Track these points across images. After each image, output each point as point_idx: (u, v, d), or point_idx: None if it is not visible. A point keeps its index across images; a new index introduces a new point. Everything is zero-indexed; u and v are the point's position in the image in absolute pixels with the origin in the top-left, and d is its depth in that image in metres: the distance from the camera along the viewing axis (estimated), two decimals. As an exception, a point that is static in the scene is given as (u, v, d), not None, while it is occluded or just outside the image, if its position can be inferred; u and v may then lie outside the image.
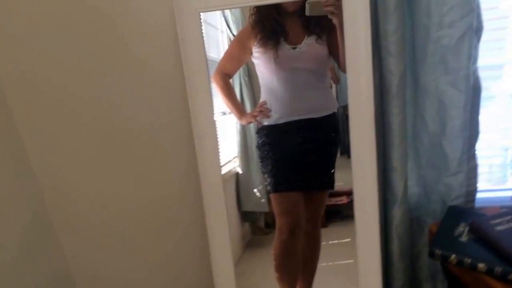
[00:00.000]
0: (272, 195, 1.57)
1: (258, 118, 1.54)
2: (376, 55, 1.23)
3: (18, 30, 1.37)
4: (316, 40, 1.41)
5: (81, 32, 1.36)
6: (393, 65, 1.20)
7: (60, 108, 1.44)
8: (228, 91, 1.58)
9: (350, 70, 1.18)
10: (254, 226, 2.03)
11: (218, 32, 1.79)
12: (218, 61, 1.71)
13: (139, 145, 1.48)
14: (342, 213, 1.72)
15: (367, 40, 1.13)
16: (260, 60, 1.49)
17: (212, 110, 1.29)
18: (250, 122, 1.58)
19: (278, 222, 1.57)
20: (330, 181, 1.56)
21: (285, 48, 1.42)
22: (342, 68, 1.44)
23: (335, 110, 1.54)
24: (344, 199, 1.73)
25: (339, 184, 1.59)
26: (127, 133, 1.47)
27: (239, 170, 2.46)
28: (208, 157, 1.32)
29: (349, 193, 1.70)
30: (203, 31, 1.26)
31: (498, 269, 0.96)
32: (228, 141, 2.57)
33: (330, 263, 1.69)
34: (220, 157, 1.34)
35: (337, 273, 1.68)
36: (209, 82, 1.27)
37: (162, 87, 1.42)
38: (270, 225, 1.88)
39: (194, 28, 1.24)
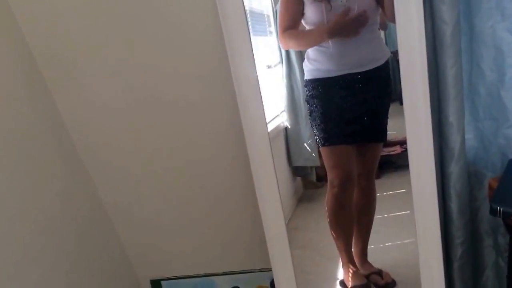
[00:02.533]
0: (322, 149, 1.61)
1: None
2: (428, 2, 1.21)
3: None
4: None
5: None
6: (446, 13, 1.18)
7: (97, 77, 1.52)
8: (298, 37, 1.59)
9: (400, 18, 1.16)
10: (306, 181, 2.09)
11: None
12: (260, 12, 1.73)
13: (181, 109, 1.56)
14: (396, 163, 1.74)
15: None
16: (310, 12, 1.50)
17: (255, 69, 1.29)
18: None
19: (329, 175, 1.63)
20: (382, 133, 1.59)
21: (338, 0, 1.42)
22: (388, 16, 1.43)
23: (387, 59, 1.54)
24: (397, 149, 1.74)
25: (392, 133, 1.60)
26: (168, 97, 1.54)
27: (288, 125, 2.45)
28: (253, 118, 1.33)
29: (403, 143, 1.71)
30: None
31: None
32: (275, 95, 2.57)
33: (385, 215, 1.72)
34: (265, 117, 1.34)
35: (394, 224, 1.72)
36: (249, 37, 1.27)
37: (200, 45, 1.47)
38: (321, 178, 1.92)
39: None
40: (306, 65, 1.60)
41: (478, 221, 1.47)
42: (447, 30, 1.19)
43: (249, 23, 2.35)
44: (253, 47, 1.28)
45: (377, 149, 1.62)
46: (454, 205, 1.38)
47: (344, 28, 1.48)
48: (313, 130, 1.65)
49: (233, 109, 1.34)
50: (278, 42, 2.44)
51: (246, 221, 1.71)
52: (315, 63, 1.56)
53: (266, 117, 1.33)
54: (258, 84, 1.29)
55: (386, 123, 1.57)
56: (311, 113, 1.63)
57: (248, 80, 1.29)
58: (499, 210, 1.08)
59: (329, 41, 1.48)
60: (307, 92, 1.61)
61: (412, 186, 1.24)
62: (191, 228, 1.73)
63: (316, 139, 1.63)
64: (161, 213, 1.72)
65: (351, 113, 1.54)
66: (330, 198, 1.62)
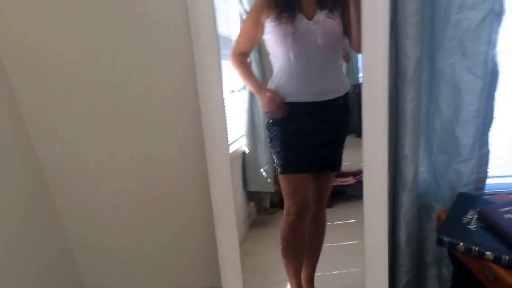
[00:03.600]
0: (280, 176, 1.62)
1: (268, 113, 1.59)
2: (393, 37, 1.26)
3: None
4: (327, 14, 1.43)
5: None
6: (410, 49, 1.23)
7: (58, 73, 1.47)
8: (244, 71, 1.62)
9: (366, 51, 1.20)
10: (260, 206, 2.09)
11: (228, 6, 1.80)
12: (227, 37, 1.73)
13: (145, 124, 1.53)
14: (348, 194, 1.78)
15: (385, 21, 1.15)
16: (274, 35, 1.51)
17: (222, 90, 1.31)
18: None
19: (286, 203, 1.64)
20: (338, 162, 1.62)
21: (302, 21, 1.45)
22: (354, 47, 1.47)
23: (347, 91, 1.57)
24: (350, 180, 1.79)
25: (346, 164, 1.64)
26: (133, 110, 1.51)
27: (246, 149, 2.46)
28: (216, 137, 1.35)
29: (356, 174, 1.76)
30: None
31: (506, 257, 1.02)
32: (236, 120, 2.58)
33: (335, 244, 1.76)
34: (228, 137, 1.37)
35: (342, 253, 1.75)
36: (219, 60, 1.30)
37: (170, 62, 1.45)
38: (275, 205, 1.94)
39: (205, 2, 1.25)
40: (269, 86, 1.61)
41: (424, 252, 1.53)
42: (410, 65, 1.24)
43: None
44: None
45: (331, 178, 1.66)
46: (403, 235, 1.43)
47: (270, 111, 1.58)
48: (272, 157, 1.66)
49: (198, 130, 1.38)
50: None
51: (199, 240, 1.69)
52: (277, 85, 1.58)
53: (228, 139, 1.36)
54: (224, 108, 1.32)
55: (342, 153, 1.61)
56: (271, 140, 1.64)
57: (215, 103, 1.32)
58: (445, 241, 1.12)
59: (295, 64, 1.49)
60: (268, 119, 1.63)
61: (364, 216, 1.28)
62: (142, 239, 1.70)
63: (275, 166, 1.64)
64: (118, 239, 1.70)
65: (311, 141, 1.56)
66: (285, 225, 1.63)
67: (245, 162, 2.67)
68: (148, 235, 1.69)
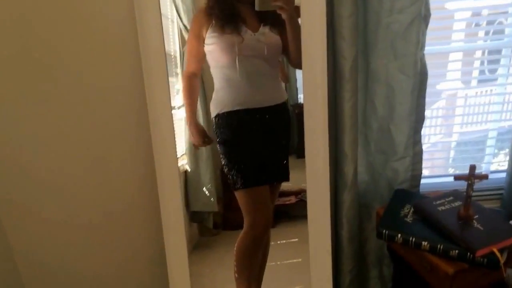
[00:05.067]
0: (240, 192, 1.57)
1: (196, 144, 1.64)
2: (330, 39, 1.31)
3: None
4: (269, 29, 1.48)
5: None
6: (346, 50, 1.28)
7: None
8: (187, 92, 1.62)
9: (305, 52, 1.23)
10: (202, 227, 2.04)
11: (168, 22, 1.81)
12: (168, 53, 1.73)
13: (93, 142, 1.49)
14: (290, 214, 1.78)
15: (323, 25, 1.19)
16: (219, 45, 1.51)
17: (170, 105, 1.30)
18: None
19: (249, 218, 1.59)
20: (287, 172, 1.63)
21: (248, 33, 1.47)
22: (293, 63, 1.52)
23: (285, 100, 1.61)
24: (292, 199, 1.79)
25: (288, 184, 1.65)
26: (80, 125, 1.46)
27: (188, 168, 2.41)
28: (165, 153, 1.33)
29: (297, 193, 1.79)
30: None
31: (440, 246, 1.07)
32: (177, 138, 2.54)
33: (278, 263, 1.75)
34: (176, 153, 1.36)
35: (285, 271, 1.75)
36: (166, 76, 1.29)
37: (118, 81, 1.45)
38: (218, 226, 1.91)
39: (154, 17, 1.25)
40: (213, 100, 1.60)
41: (365, 252, 1.57)
42: (346, 65, 1.29)
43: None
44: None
45: (278, 189, 1.66)
46: (345, 233, 1.46)
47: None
48: (228, 173, 1.63)
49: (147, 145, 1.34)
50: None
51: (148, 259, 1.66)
52: (220, 97, 1.59)
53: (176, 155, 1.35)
54: (173, 124, 1.31)
55: (288, 162, 1.63)
56: (225, 155, 1.62)
57: (164, 120, 1.31)
58: (385, 233, 1.16)
59: (239, 74, 1.51)
60: (219, 135, 1.62)
61: (309, 231, 1.30)
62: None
63: (232, 182, 1.61)
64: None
65: (263, 152, 1.57)
66: (247, 241, 1.59)
67: (187, 181, 2.62)
68: (95, 255, 1.62)
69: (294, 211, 1.73)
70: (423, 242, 1.10)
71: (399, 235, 1.14)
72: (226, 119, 1.57)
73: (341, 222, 1.45)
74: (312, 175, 1.29)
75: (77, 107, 1.43)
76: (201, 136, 1.59)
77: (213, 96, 1.57)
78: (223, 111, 1.57)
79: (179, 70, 2.69)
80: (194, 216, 2.61)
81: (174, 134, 1.33)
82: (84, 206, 1.55)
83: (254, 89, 1.53)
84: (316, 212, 1.29)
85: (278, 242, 1.74)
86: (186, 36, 2.19)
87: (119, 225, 1.61)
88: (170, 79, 2.46)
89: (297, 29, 1.27)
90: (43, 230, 1.56)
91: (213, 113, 1.60)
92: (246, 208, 1.60)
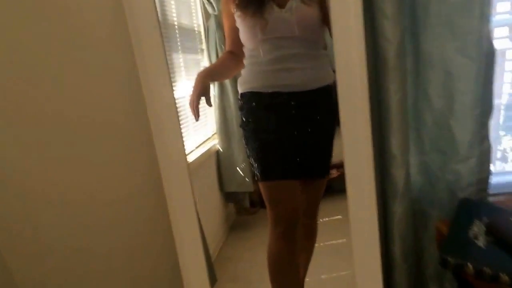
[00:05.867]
0: (260, 185, 1.40)
1: (190, 100, 1.36)
2: (369, 18, 1.07)
3: None
4: (302, 0, 1.25)
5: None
6: (390, 30, 1.04)
7: None
8: (216, 62, 1.51)
9: (337, 36, 1.02)
10: (239, 206, 1.93)
11: None
12: (191, 28, 1.76)
13: (89, 139, 1.33)
14: (333, 188, 1.59)
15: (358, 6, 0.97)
16: (242, 30, 1.34)
17: (171, 90, 1.09)
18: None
19: (271, 214, 1.42)
20: (327, 167, 1.43)
21: (273, 10, 1.26)
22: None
23: (331, 82, 1.38)
24: (334, 173, 1.60)
25: None
26: (74, 125, 1.31)
27: (220, 148, 2.33)
28: (169, 145, 1.12)
29: (339, 166, 1.57)
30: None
31: (525, 280, 0.84)
32: (207, 117, 2.45)
33: (321, 244, 1.60)
34: (183, 144, 1.14)
35: (329, 254, 1.61)
36: (164, 54, 1.07)
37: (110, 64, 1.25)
38: (256, 204, 1.77)
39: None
40: (240, 77, 1.43)
41: (423, 265, 1.34)
42: (390, 49, 1.05)
43: (178, 40, 2.17)
44: (182, 65, 1.10)
45: (321, 184, 1.46)
46: (397, 249, 1.24)
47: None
48: (249, 159, 1.46)
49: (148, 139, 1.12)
50: (209, 60, 2.29)
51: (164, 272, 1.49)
52: (245, 76, 1.39)
53: (185, 148, 1.13)
54: (176, 111, 1.10)
55: (330, 156, 1.42)
56: (247, 140, 1.44)
57: (164, 107, 1.09)
58: (450, 262, 0.93)
59: (264, 56, 1.30)
60: (242, 117, 1.44)
61: (350, 215, 1.08)
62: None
63: (254, 171, 1.44)
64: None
65: (292, 142, 1.36)
66: (273, 241, 1.41)
67: (220, 161, 2.53)
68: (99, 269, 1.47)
69: (337, 185, 1.50)
70: (502, 275, 0.86)
71: (470, 264, 0.90)
72: (248, 99, 1.39)
73: (392, 237, 1.23)
74: (354, 186, 1.08)
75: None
76: (199, 90, 1.32)
77: (241, 73, 1.41)
78: (246, 91, 1.39)
79: (204, 46, 2.55)
80: (229, 197, 2.53)
81: (178, 124, 1.11)
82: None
83: (282, 73, 1.32)
84: (357, 187, 1.06)
85: (320, 220, 1.60)
86: (209, 9, 2.07)
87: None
88: (194, 56, 2.31)
89: None
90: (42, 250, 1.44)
91: (239, 92, 1.44)
92: (267, 204, 1.42)
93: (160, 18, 2.09)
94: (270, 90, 1.34)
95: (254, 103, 1.38)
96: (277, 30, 1.27)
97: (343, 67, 1.03)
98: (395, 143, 1.14)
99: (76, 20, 1.23)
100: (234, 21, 1.36)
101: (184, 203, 1.16)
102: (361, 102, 1.04)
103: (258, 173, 1.41)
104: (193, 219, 1.19)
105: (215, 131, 2.25)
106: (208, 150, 2.56)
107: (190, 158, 2.34)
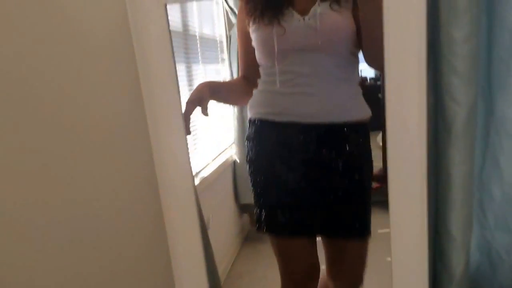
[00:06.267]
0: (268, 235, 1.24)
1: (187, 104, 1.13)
2: (432, 71, 0.88)
3: None
4: (330, 5, 1.05)
5: None
6: (460, 90, 0.85)
7: None
8: (228, 82, 1.26)
9: (392, 91, 0.84)
10: (254, 218, 1.83)
11: (212, 4, 1.67)
12: (212, 38, 1.71)
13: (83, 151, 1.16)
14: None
15: (421, 49, 0.79)
16: (256, 42, 1.15)
17: (178, 101, 0.87)
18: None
19: (280, 268, 1.27)
20: (361, 223, 1.21)
21: (293, 18, 1.07)
22: (368, 60, 1.09)
23: (362, 119, 1.18)
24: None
25: None
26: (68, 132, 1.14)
27: (237, 159, 2.29)
28: (172, 174, 0.91)
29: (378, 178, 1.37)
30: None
31: None
32: (225, 127, 2.40)
33: None
34: (191, 172, 0.93)
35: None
36: (173, 65, 0.88)
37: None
38: None
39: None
40: (250, 100, 1.25)
41: None
42: (459, 114, 0.86)
43: (199, 50, 2.03)
44: (203, 75, 0.94)
45: (358, 247, 1.24)
46: None
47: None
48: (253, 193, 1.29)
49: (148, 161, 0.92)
50: (230, 70, 2.18)
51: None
52: (256, 98, 1.22)
53: (192, 172, 0.93)
54: (183, 132, 0.87)
55: (366, 212, 1.21)
56: (251, 179, 1.27)
57: (170, 127, 0.87)
58: None
59: (281, 76, 1.11)
60: (248, 147, 1.26)
61: None
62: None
63: (256, 216, 1.26)
64: None
65: (310, 187, 1.16)
66: None
67: (236, 172, 2.44)
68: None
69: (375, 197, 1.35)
70: None
71: None
72: (257, 129, 1.20)
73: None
74: (402, 270, 0.90)
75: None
76: (193, 98, 1.11)
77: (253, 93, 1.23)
78: (256, 117, 1.20)
79: (225, 56, 2.43)
80: (244, 208, 2.44)
81: (186, 144, 0.87)
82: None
83: (300, 96, 1.12)
84: None
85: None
86: (232, 19, 1.99)
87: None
88: (215, 65, 2.20)
89: (374, 9, 0.87)
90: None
91: (248, 116, 1.27)
92: (277, 258, 1.26)
93: (181, 29, 1.94)
94: (284, 119, 1.14)
95: (263, 135, 1.20)
96: (297, 40, 1.08)
97: (396, 125, 0.85)
98: (455, 222, 0.94)
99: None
100: (249, 41, 1.17)
101: (188, 240, 0.94)
102: (417, 171, 0.87)
103: (260, 221, 1.23)
104: (199, 263, 0.97)
105: (232, 142, 2.19)
106: (225, 162, 2.45)
107: (206, 172, 2.23)
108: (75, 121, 1.13)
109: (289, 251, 1.25)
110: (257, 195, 1.24)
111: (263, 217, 1.23)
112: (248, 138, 1.25)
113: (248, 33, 1.17)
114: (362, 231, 1.20)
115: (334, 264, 1.26)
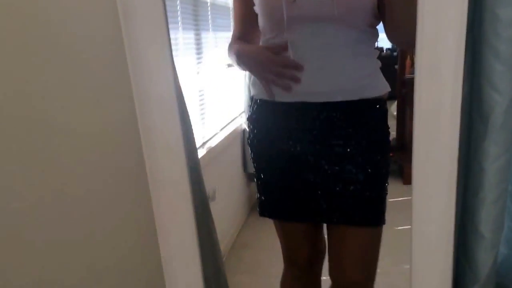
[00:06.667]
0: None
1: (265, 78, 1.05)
2: (471, 55, 0.78)
3: None
4: None
5: None
6: (502, 78, 0.75)
7: None
8: (230, 56, 1.18)
9: (423, 74, 0.75)
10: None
11: None
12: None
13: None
14: None
15: (461, 29, 0.69)
16: (261, 7, 1.03)
17: (170, 73, 0.74)
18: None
19: (284, 254, 1.25)
20: (373, 211, 1.11)
21: None
22: (390, 34, 0.99)
23: (383, 94, 1.09)
24: None
25: None
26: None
27: (246, 127, 2.24)
28: (161, 161, 0.79)
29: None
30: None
31: None
32: (234, 96, 2.34)
33: None
34: (184, 162, 0.77)
35: None
36: (164, 16, 0.73)
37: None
38: None
39: None
40: (253, 78, 1.13)
41: None
42: (498, 104, 0.77)
43: (209, 17, 1.93)
44: (213, 43, 0.87)
45: (369, 236, 1.13)
46: None
47: (263, 69, 1.03)
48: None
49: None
50: None
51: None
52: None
53: (184, 159, 0.78)
54: (176, 112, 0.76)
55: (382, 198, 1.12)
56: (254, 161, 1.20)
57: (160, 106, 0.75)
58: None
59: (291, 48, 1.00)
60: (249, 128, 1.18)
61: None
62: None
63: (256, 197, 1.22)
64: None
65: (316, 171, 1.07)
66: (286, 283, 1.24)
67: (245, 141, 2.40)
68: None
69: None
70: None
71: None
72: (260, 109, 1.10)
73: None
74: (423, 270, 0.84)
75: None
76: (268, 56, 1.03)
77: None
78: (259, 97, 1.10)
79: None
80: (252, 177, 2.40)
81: (178, 129, 0.75)
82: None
83: (312, 73, 1.00)
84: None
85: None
86: None
87: None
88: (226, 33, 2.12)
89: None
90: None
91: (249, 94, 1.17)
92: (280, 240, 1.22)
93: None
94: (292, 100, 1.03)
95: (268, 117, 1.09)
96: (310, 7, 0.96)
97: (426, 112, 0.76)
98: (485, 220, 0.87)
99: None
100: (250, 3, 1.05)
101: (181, 235, 0.84)
102: (446, 165, 0.79)
103: (260, 205, 1.17)
104: (193, 260, 0.89)
105: (242, 110, 2.11)
106: (234, 130, 2.38)
107: (214, 142, 2.18)
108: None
109: (293, 237, 1.20)
110: (259, 180, 1.16)
111: (266, 203, 1.16)
112: (249, 119, 1.15)
113: None
114: (380, 219, 1.12)
115: (340, 260, 1.17)
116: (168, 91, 0.74)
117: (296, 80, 0.98)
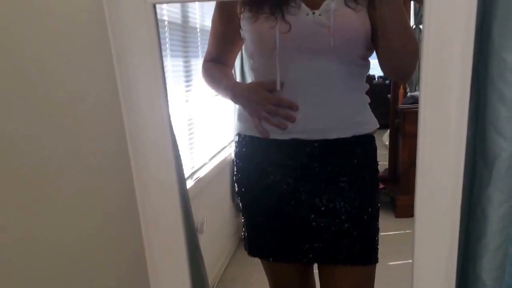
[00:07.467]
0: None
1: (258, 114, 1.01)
2: (475, 100, 0.77)
3: None
4: (345, 1, 0.91)
5: None
6: (507, 123, 0.73)
7: None
8: (210, 81, 1.13)
9: (427, 115, 0.72)
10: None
11: None
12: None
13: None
14: None
15: (466, 73, 0.67)
16: (252, 33, 0.97)
17: (165, 97, 0.67)
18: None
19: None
20: (366, 249, 1.08)
21: (301, 12, 0.91)
22: (383, 65, 0.97)
23: (372, 131, 1.07)
24: None
25: None
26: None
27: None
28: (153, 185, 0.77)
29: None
30: None
31: None
32: (224, 124, 2.31)
33: None
34: (177, 188, 0.73)
35: None
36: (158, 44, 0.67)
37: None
38: None
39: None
40: (239, 110, 1.11)
41: None
42: (504, 150, 0.75)
43: (199, 44, 1.91)
44: (200, 70, 0.88)
45: (361, 276, 1.09)
46: None
47: (256, 107, 1.00)
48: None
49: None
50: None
51: None
52: (246, 114, 1.07)
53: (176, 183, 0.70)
54: (169, 139, 0.70)
55: (374, 235, 1.09)
56: (240, 199, 1.16)
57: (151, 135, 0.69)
58: None
59: (277, 69, 0.95)
60: (236, 164, 1.14)
61: None
62: None
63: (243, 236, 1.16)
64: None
65: (306, 209, 1.04)
66: None
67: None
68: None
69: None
70: None
71: None
72: (250, 146, 1.06)
73: None
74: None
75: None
76: (259, 91, 1.00)
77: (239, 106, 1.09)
78: (245, 133, 1.06)
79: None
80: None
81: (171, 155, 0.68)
82: None
83: (306, 110, 0.97)
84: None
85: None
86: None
87: None
88: None
89: (396, 11, 0.78)
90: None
91: (235, 130, 1.12)
92: (268, 280, 1.19)
93: (180, 20, 1.79)
94: (285, 137, 1.00)
95: (256, 155, 1.05)
96: (304, 39, 0.92)
97: (429, 156, 0.73)
98: (487, 267, 0.84)
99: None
100: (236, 28, 1.01)
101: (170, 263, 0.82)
102: (448, 212, 0.75)
103: (246, 244, 1.14)
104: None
105: (232, 139, 2.09)
106: (224, 160, 2.35)
107: (202, 173, 2.13)
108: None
109: (283, 277, 1.16)
110: (247, 219, 1.12)
111: (254, 242, 1.13)
112: (237, 156, 1.11)
113: (237, 19, 1.00)
114: (373, 257, 1.09)
115: None
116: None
117: (292, 119, 0.96)
